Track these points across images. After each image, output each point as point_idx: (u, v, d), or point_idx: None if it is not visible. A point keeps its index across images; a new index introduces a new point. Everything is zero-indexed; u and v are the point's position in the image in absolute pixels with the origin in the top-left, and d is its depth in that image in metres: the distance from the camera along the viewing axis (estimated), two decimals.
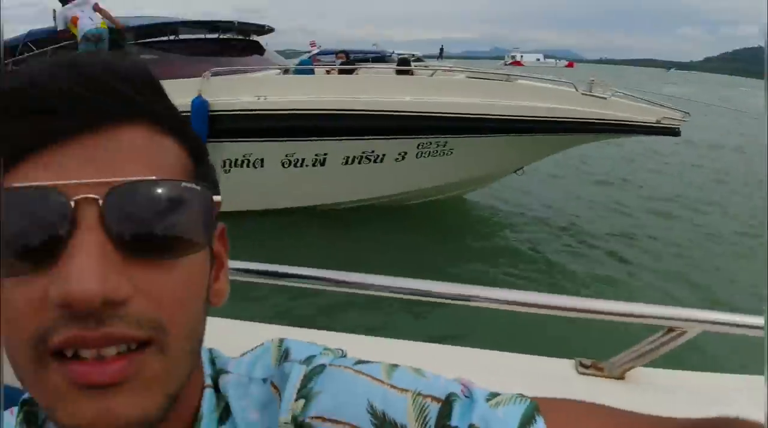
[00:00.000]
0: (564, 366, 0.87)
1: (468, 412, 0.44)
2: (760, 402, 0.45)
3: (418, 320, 4.31)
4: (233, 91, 6.56)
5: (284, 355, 0.52)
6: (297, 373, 0.48)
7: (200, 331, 0.44)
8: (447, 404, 0.44)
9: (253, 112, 6.30)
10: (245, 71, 7.29)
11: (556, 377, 0.85)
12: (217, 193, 0.45)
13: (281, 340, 0.54)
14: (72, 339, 0.35)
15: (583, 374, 0.83)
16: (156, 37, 8.62)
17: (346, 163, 6.40)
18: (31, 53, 9.15)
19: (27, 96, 0.37)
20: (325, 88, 6.39)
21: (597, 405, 0.47)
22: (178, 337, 0.39)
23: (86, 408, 0.36)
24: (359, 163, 6.39)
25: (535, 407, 0.44)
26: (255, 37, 9.81)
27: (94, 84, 0.38)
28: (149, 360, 0.37)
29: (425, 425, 0.43)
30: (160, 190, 0.38)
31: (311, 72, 7.40)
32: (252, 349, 0.55)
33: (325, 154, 6.36)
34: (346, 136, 6.17)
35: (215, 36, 9.28)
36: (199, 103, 6.37)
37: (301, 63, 8.04)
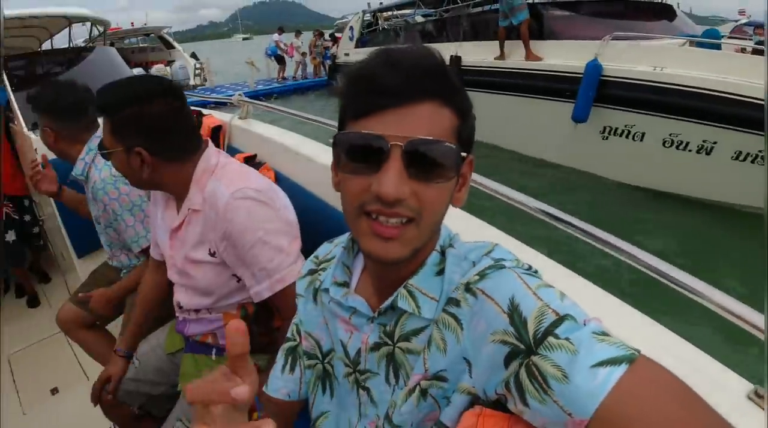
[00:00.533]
0: (738, 384, 0.81)
1: (572, 331, 0.58)
2: None
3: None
4: (630, 58, 6.29)
5: (489, 252, 0.78)
6: (486, 262, 0.74)
7: (440, 219, 0.75)
8: (561, 319, 0.59)
9: (646, 83, 5.93)
10: (648, 38, 6.81)
11: (722, 389, 0.80)
12: (468, 145, 0.73)
13: (495, 244, 0.80)
14: (377, 210, 0.68)
15: (750, 400, 0.77)
16: None
17: (737, 158, 5.38)
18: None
19: (369, 82, 0.69)
20: (729, 68, 5.43)
21: (696, 398, 0.53)
22: (426, 221, 0.71)
23: (375, 244, 0.71)
24: (752, 162, 5.30)
25: (630, 358, 0.54)
26: (669, 0, 9.12)
27: (404, 77, 0.67)
28: (409, 230, 0.70)
29: (539, 324, 0.60)
30: (432, 145, 0.67)
31: (717, 46, 6.46)
32: (476, 241, 0.83)
33: (714, 143, 5.51)
34: (743, 128, 5.17)
35: None
36: (593, 67, 6.38)
37: (706, 34, 7.01)
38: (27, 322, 3.82)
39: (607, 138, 6.70)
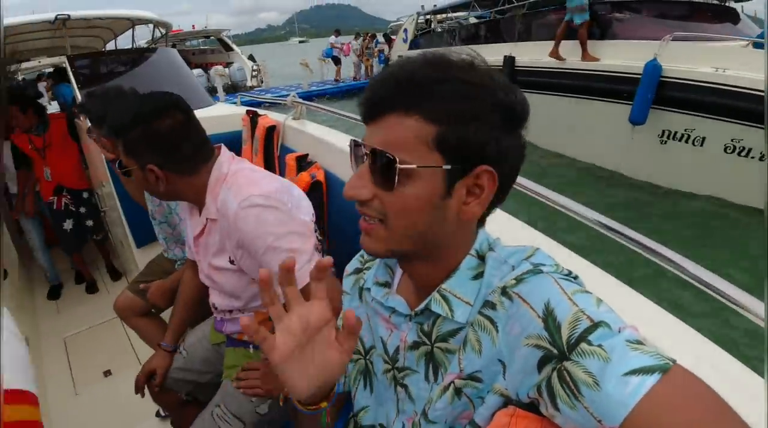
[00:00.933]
0: None
1: (605, 338, 0.57)
2: None
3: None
4: (691, 59, 6.03)
5: (530, 257, 0.76)
6: (524, 267, 0.73)
7: (419, 227, 0.74)
8: (595, 326, 0.59)
9: (706, 85, 5.67)
10: (709, 39, 6.52)
11: (758, 402, 0.75)
12: (463, 154, 0.70)
13: (536, 249, 0.78)
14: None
15: None
16: None
17: None
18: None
19: (363, 95, 0.75)
20: None
21: (729, 411, 0.52)
22: (396, 224, 0.74)
23: (361, 237, 0.78)
24: None
25: (663, 367, 0.53)
26: (733, 3, 8.69)
27: (378, 90, 0.72)
28: (378, 229, 0.75)
29: (573, 330, 0.60)
30: (383, 154, 0.70)
31: None
32: (518, 246, 0.82)
33: None
34: None
35: None
36: (652, 67, 6.18)
37: (763, 35, 6.65)
38: (84, 307, 4.01)
39: (665, 142, 6.46)
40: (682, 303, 3.86)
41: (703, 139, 5.97)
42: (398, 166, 0.69)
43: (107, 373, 3.14)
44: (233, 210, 1.40)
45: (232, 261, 1.50)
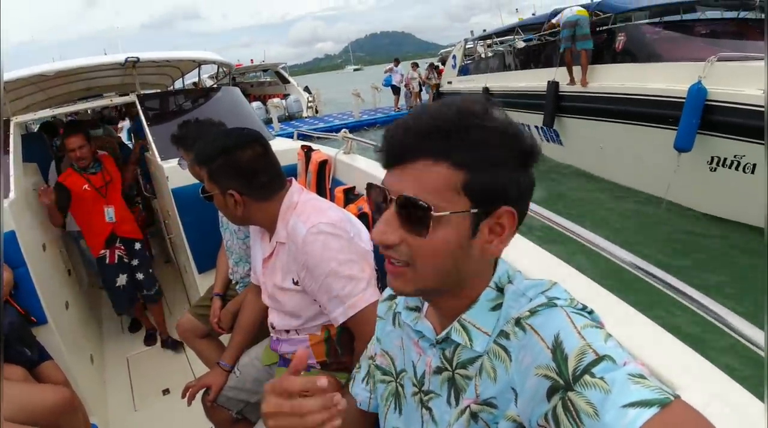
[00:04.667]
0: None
1: (608, 371, 0.60)
2: None
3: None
4: (737, 80, 5.72)
5: (547, 290, 0.79)
6: (539, 300, 0.76)
7: (447, 267, 0.78)
8: (599, 359, 0.61)
9: (754, 108, 5.38)
10: (757, 59, 6.04)
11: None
12: (487, 199, 0.75)
13: (554, 283, 0.81)
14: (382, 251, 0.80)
15: None
16: (669, 15, 8.27)
17: None
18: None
19: (385, 141, 0.78)
20: None
21: None
22: (422, 267, 0.77)
23: (388, 278, 0.81)
24: None
25: (662, 402, 0.55)
26: None
27: (402, 138, 0.76)
28: (404, 272, 0.78)
29: (579, 362, 0.62)
30: (416, 202, 0.73)
31: None
32: (537, 279, 0.84)
33: None
34: None
35: (734, 15, 8.23)
36: (696, 91, 5.94)
37: None
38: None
39: (714, 169, 6.14)
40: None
41: (754, 165, 5.67)
42: (433, 213, 0.73)
43: (165, 391, 3.35)
44: (302, 235, 1.54)
45: (296, 282, 1.62)
